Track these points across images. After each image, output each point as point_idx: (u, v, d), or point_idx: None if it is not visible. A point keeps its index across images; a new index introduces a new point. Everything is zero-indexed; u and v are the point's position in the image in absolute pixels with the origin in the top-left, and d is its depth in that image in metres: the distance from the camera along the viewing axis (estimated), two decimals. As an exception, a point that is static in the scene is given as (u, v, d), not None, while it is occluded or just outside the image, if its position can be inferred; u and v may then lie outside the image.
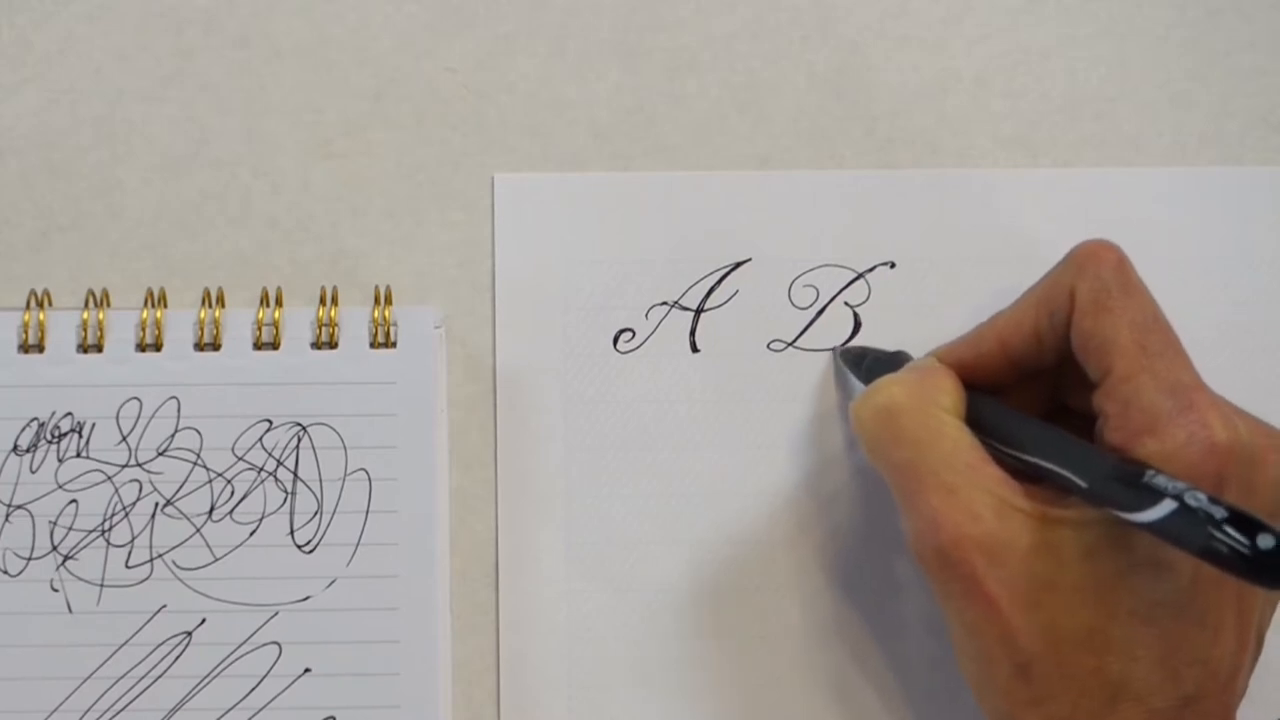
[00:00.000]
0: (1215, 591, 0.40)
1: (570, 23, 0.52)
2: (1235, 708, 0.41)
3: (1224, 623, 0.40)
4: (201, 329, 0.49)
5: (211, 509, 0.48)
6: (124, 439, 0.48)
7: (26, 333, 0.49)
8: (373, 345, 0.49)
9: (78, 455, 0.48)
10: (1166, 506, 0.37)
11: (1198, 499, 0.37)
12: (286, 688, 0.47)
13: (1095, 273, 0.42)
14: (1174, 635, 0.39)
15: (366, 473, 0.48)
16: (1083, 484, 0.39)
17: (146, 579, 0.48)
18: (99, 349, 0.49)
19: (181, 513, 0.48)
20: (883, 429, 0.43)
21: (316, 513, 0.48)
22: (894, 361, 0.46)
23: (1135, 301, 0.41)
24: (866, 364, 0.47)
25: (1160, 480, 0.38)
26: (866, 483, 0.49)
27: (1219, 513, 0.36)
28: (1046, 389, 0.45)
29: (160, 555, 0.48)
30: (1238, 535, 0.36)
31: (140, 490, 0.48)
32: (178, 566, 0.48)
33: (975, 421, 0.43)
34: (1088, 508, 0.40)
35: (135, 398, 0.48)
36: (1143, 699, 0.39)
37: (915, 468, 0.41)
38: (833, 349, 0.50)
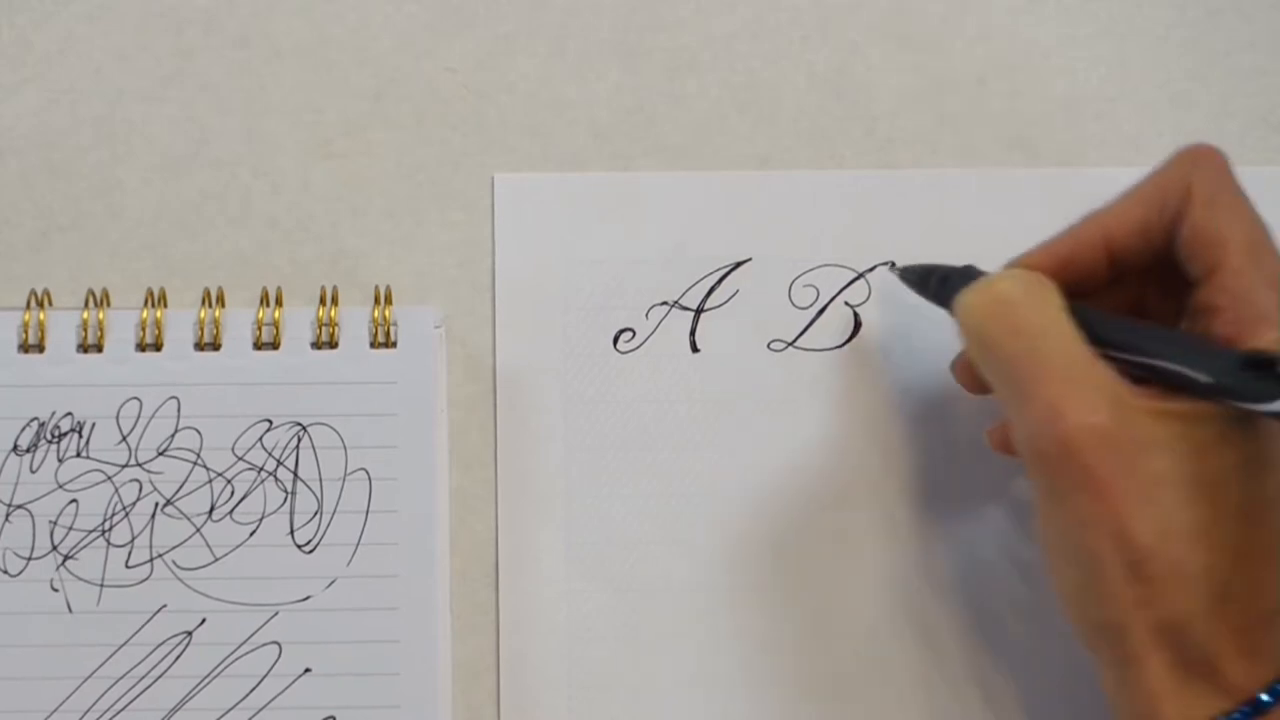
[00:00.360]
0: None
1: (570, 23, 0.52)
2: None
3: None
4: (201, 329, 0.49)
5: (211, 509, 0.48)
6: (124, 439, 0.48)
7: (26, 333, 0.49)
8: (373, 345, 0.49)
9: (78, 455, 0.48)
10: None
11: None
12: (286, 688, 0.47)
13: (1211, 169, 0.42)
14: None
15: (366, 473, 0.48)
16: (1204, 378, 0.39)
17: (146, 579, 0.48)
18: (99, 349, 0.49)
19: (181, 513, 0.48)
20: (998, 320, 0.42)
21: (316, 513, 0.48)
22: (967, 274, 0.45)
23: (1244, 201, 0.42)
24: (936, 280, 0.46)
25: None
26: (866, 483, 0.49)
27: None
28: (1128, 295, 0.45)
29: (160, 555, 0.48)
30: None
31: (140, 490, 0.48)
32: (178, 566, 0.48)
33: (1079, 324, 0.42)
34: (1197, 404, 0.39)
35: (135, 398, 0.48)
36: (1246, 601, 0.39)
37: (1033, 358, 0.41)
38: (890, 265, 0.50)
